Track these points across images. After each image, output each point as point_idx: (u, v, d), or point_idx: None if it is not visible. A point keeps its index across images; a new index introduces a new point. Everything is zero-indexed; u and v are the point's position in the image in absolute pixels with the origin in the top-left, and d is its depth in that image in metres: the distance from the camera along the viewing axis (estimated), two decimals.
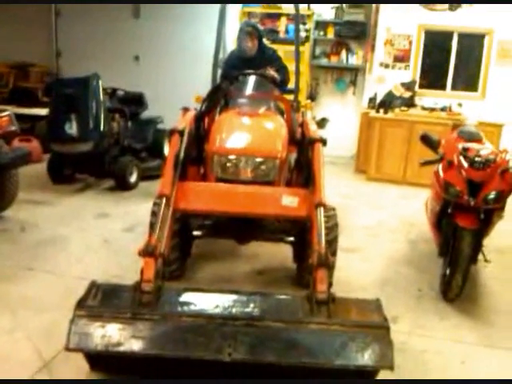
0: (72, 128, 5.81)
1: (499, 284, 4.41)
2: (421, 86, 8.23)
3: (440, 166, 4.10)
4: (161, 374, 2.74)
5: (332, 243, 3.71)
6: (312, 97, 8.42)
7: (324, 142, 3.59)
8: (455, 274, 3.85)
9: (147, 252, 2.84)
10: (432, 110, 7.47)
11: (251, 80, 4.36)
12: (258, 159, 3.53)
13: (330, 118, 6.11)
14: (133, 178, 6.40)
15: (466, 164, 3.87)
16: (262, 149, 3.60)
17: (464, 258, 3.79)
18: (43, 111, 7.40)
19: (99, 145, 5.95)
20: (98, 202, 5.87)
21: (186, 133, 3.55)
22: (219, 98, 4.24)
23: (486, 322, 3.77)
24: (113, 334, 2.58)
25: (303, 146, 3.87)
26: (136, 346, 2.54)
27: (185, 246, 4.03)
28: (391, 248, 5.06)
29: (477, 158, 3.89)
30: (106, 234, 4.89)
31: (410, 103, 7.85)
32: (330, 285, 2.90)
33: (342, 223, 5.57)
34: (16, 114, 5.68)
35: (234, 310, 2.74)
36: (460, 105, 7.76)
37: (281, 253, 4.42)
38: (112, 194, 6.26)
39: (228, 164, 3.54)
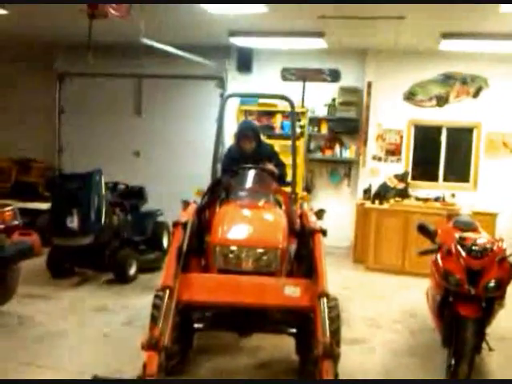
0: (73, 222, 5.89)
1: (505, 373, 4.33)
2: (413, 178, 8.47)
3: (438, 255, 4.16)
4: None
5: (335, 333, 3.70)
6: (308, 189, 8.61)
7: (324, 232, 3.67)
8: (460, 364, 3.80)
9: (150, 345, 2.81)
10: (426, 200, 7.64)
11: (250, 174, 4.51)
12: (260, 250, 3.58)
13: (326, 209, 6.24)
14: (132, 271, 6.40)
15: (463, 252, 3.94)
16: (264, 240, 3.66)
17: (468, 348, 3.76)
18: (44, 205, 7.51)
19: (100, 238, 6.01)
20: (97, 296, 5.84)
21: (188, 225, 3.62)
22: (220, 191, 4.38)
23: None
24: None
25: (303, 236, 3.95)
26: None
27: (186, 338, 3.99)
28: (393, 339, 5.00)
29: (474, 247, 3.97)
30: (105, 327, 4.84)
31: (403, 194, 8.03)
32: (336, 376, 2.86)
33: (342, 314, 5.57)
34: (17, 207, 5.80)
35: None
36: (453, 195, 7.94)
37: (283, 345, 4.37)
38: (111, 287, 6.23)
39: (230, 255, 3.58)
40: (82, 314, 5.20)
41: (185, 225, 3.61)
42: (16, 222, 5.14)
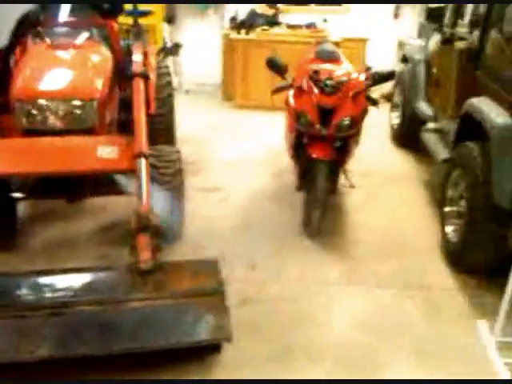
0: None
1: (362, 211, 4.25)
2: (285, 1, 7.70)
3: (290, 93, 3.72)
4: None
5: (178, 190, 3.32)
6: (170, 19, 7.63)
7: (146, 76, 3.02)
8: (313, 208, 3.61)
9: None
10: (294, 27, 7.02)
11: (66, 3, 3.63)
12: (71, 102, 2.91)
13: (182, 43, 5.52)
14: None
15: (316, 89, 3.52)
16: (75, 89, 2.98)
17: (320, 191, 3.53)
18: None
19: None
20: None
21: None
22: (27, 28, 3.50)
23: (347, 257, 3.60)
24: None
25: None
26: None
27: (6, 210, 3.42)
28: (255, 183, 4.72)
29: (328, 82, 3.54)
30: None
31: (274, 21, 7.33)
32: (159, 249, 2.47)
33: (203, 160, 5.22)
34: None
35: (38, 297, 2.26)
36: (325, 21, 7.36)
37: (128, 203, 3.93)
38: None
39: (34, 111, 2.90)
40: None
41: None
42: None
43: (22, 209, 3.84)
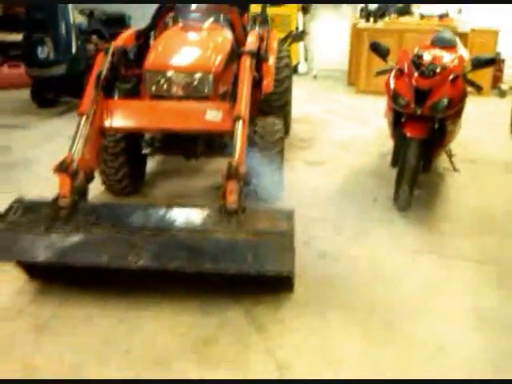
0: (44, 52, 5.82)
1: (461, 193, 4.33)
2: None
3: (391, 75, 3.96)
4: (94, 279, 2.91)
5: (278, 156, 3.74)
6: (305, 9, 8.06)
7: (253, 55, 3.48)
8: (402, 184, 3.82)
9: (60, 169, 2.91)
10: (422, 17, 7.07)
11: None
12: (191, 75, 3.47)
13: (308, 31, 5.91)
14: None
15: (416, 72, 3.73)
16: (195, 63, 3.54)
17: (410, 168, 3.74)
18: None
19: (73, 67, 5.95)
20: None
21: (110, 51, 3.52)
22: (164, 13, 4.16)
23: (434, 231, 3.74)
24: (27, 245, 2.73)
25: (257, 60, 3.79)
26: (46, 255, 2.67)
27: (137, 163, 4.11)
28: (359, 161, 5.00)
29: (431, 66, 3.73)
30: None
31: (406, 11, 7.45)
32: (245, 196, 2.92)
33: (316, 138, 5.60)
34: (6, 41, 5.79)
35: (144, 222, 2.82)
36: (460, 10, 7.30)
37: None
38: None
39: (161, 80, 3.50)
40: (56, 143, 5.33)
41: (107, 51, 3.50)
42: None
43: (150, 165, 4.52)
